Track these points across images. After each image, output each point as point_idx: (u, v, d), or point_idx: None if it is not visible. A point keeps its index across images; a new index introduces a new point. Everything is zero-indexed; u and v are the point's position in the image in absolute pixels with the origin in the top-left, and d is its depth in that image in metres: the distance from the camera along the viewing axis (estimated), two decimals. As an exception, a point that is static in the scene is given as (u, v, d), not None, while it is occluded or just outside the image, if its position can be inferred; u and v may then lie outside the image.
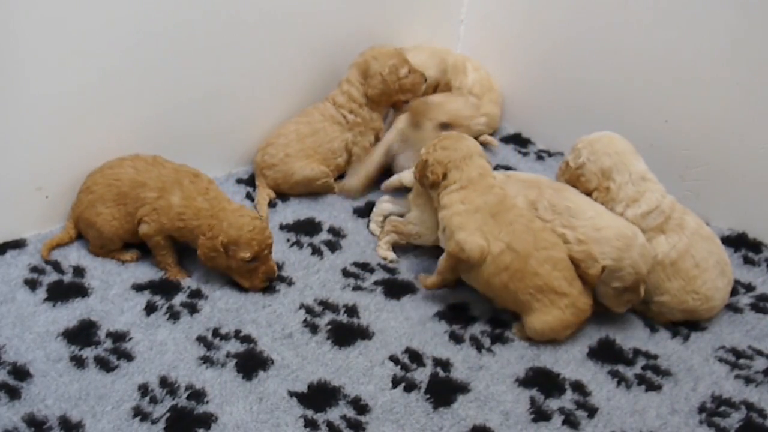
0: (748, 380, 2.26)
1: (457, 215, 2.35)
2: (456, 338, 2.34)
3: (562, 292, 2.29)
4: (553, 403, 2.15)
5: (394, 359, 2.24)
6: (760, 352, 2.37)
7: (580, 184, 2.47)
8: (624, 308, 2.39)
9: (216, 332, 2.28)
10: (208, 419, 2.00)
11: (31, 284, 2.38)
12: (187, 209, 2.41)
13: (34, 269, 2.44)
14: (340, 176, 3.00)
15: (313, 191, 2.92)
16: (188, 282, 2.45)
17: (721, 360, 2.34)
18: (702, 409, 2.17)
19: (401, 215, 2.67)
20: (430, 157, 2.43)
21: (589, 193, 2.45)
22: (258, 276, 2.40)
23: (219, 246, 2.34)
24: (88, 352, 2.17)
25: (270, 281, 2.43)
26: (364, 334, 2.32)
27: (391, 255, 2.64)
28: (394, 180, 2.74)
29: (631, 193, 2.41)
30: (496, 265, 2.30)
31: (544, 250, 2.30)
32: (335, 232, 2.75)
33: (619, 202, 2.42)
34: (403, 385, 2.15)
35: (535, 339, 2.33)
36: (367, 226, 2.77)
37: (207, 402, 2.05)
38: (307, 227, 2.77)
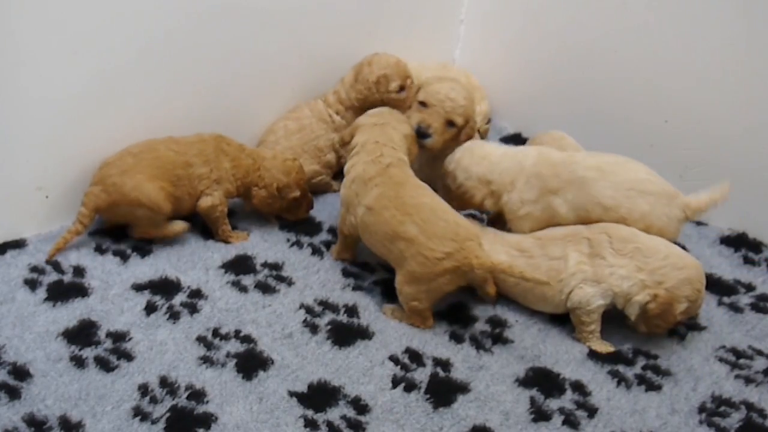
0: (748, 380, 2.26)
1: (344, 187, 2.51)
2: (456, 338, 2.34)
3: (408, 238, 2.27)
4: (553, 403, 2.15)
5: (394, 359, 2.24)
6: (760, 352, 2.37)
7: (467, 202, 2.57)
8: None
9: (216, 332, 2.28)
10: (208, 419, 2.00)
11: (31, 284, 2.38)
12: (238, 169, 2.64)
13: (34, 269, 2.44)
14: (336, 175, 2.98)
15: (312, 189, 2.91)
16: (188, 282, 2.45)
17: (721, 360, 2.34)
18: (702, 409, 2.17)
19: None
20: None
21: (480, 206, 2.58)
22: (303, 208, 2.75)
23: (275, 191, 2.65)
24: (88, 352, 2.17)
25: (311, 209, 2.79)
26: (364, 334, 2.32)
27: None
28: None
29: (509, 179, 2.51)
30: (364, 230, 2.41)
31: (403, 199, 2.33)
32: (335, 232, 2.74)
33: (511, 191, 2.50)
34: (403, 385, 2.15)
35: (407, 305, 2.33)
36: None
37: (207, 402, 2.05)
38: (307, 227, 2.77)
